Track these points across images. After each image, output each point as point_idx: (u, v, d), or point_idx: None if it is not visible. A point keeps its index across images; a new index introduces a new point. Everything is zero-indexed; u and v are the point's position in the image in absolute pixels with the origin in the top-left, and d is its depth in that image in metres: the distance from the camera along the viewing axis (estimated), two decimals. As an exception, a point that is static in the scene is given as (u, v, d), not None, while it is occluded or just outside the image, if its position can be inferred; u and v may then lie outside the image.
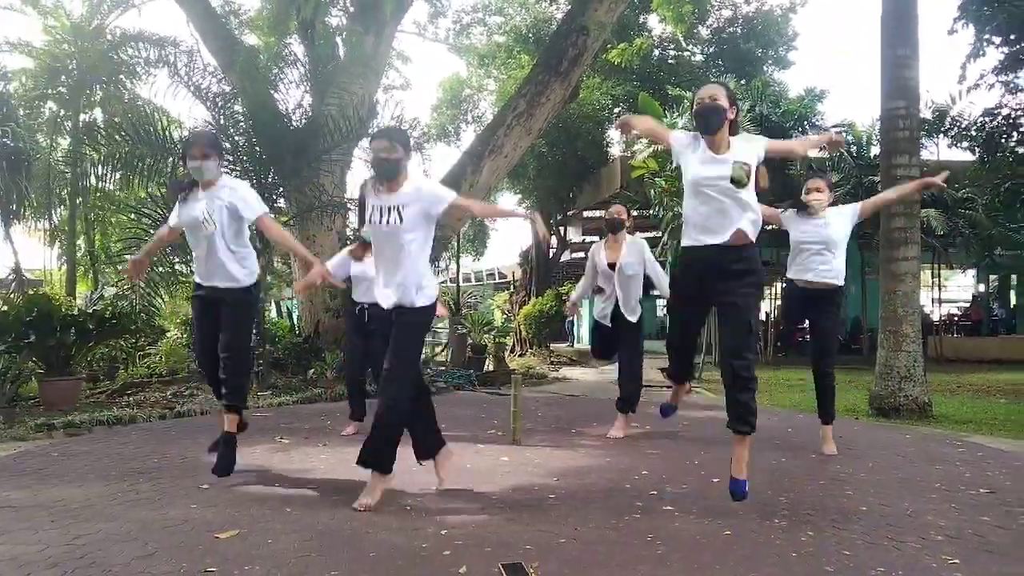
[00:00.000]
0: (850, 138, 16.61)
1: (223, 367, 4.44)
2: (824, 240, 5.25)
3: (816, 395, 5.47)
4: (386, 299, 3.99)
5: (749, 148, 3.77)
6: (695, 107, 3.78)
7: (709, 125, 3.73)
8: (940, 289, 20.33)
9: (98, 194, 14.23)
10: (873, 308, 13.95)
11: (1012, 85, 12.32)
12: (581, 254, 30.58)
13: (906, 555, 3.21)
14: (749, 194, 3.72)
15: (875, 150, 15.53)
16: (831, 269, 5.25)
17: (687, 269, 3.96)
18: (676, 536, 3.44)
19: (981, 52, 12.15)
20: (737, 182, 3.66)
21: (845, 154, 15.99)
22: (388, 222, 3.88)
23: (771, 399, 9.58)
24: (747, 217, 3.73)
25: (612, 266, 6.05)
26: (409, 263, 3.92)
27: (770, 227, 5.34)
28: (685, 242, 3.88)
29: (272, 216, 4.55)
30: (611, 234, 6.18)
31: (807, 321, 5.59)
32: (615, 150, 22.49)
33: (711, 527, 3.61)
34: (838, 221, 5.27)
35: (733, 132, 3.82)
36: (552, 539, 3.38)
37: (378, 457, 3.93)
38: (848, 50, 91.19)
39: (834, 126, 17.01)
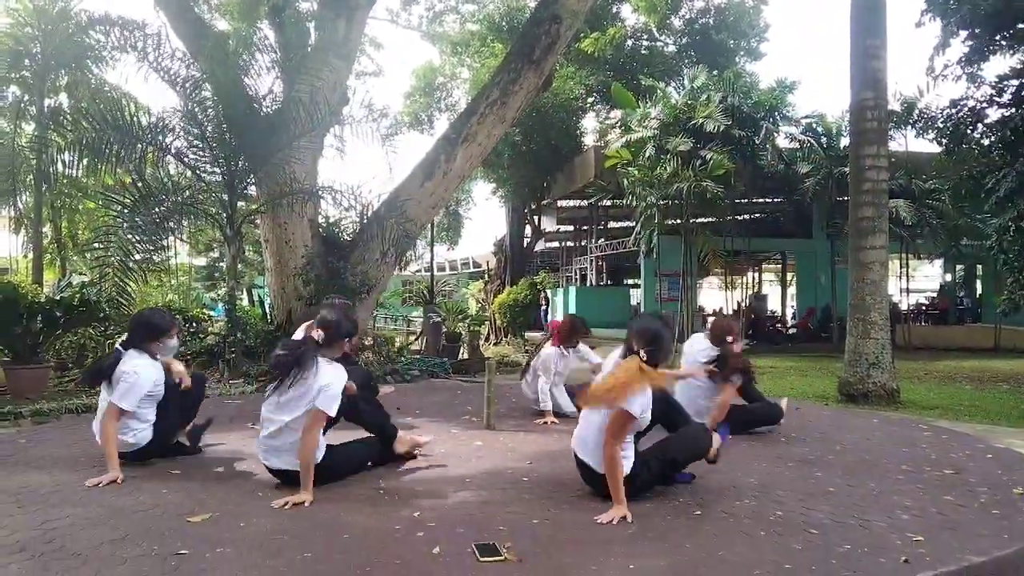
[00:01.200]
0: (820, 129, 16.79)
1: None
2: None
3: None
4: None
5: None
6: None
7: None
8: (908, 278, 20.68)
9: (64, 181, 13.96)
10: (843, 297, 14.18)
11: (976, 77, 12.51)
12: (555, 244, 30.69)
13: (872, 533, 3.28)
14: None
15: (845, 141, 15.73)
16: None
17: None
18: (647, 516, 3.48)
19: (947, 44, 12.33)
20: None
21: (815, 145, 16.17)
22: None
23: (742, 386, 9.68)
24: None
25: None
26: None
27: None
28: None
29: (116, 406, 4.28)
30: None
31: None
32: (589, 139, 22.57)
33: (681, 507, 3.65)
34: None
35: None
36: (525, 520, 3.40)
37: None
38: (819, 41, 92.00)
39: (804, 117, 17.19)
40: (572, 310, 20.74)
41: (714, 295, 33.64)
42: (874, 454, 5.02)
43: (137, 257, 8.89)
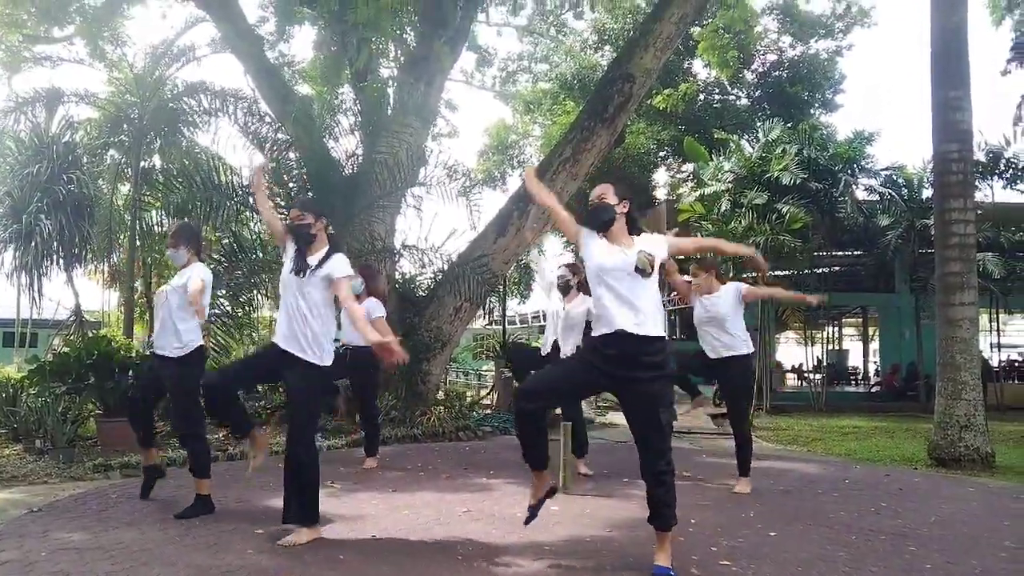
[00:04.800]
0: (901, 180, 16.37)
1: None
2: (713, 316, 5.76)
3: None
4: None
5: (652, 242, 3.81)
6: (588, 206, 3.87)
7: (598, 222, 3.79)
8: (999, 334, 19.76)
9: (155, 238, 14.67)
10: (929, 354, 13.62)
11: (1068, 125, 12.07)
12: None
13: (977, 618, 3.10)
14: (652, 284, 3.69)
15: (927, 192, 15.29)
16: (722, 343, 5.74)
17: (594, 352, 3.75)
18: (734, 592, 3.37)
19: (1036, 93, 11.95)
20: (642, 271, 3.63)
21: (895, 197, 15.77)
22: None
23: (825, 447, 9.36)
24: (652, 308, 3.66)
25: None
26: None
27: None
28: (596, 332, 3.73)
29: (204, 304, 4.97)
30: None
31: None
32: (660, 193, 22.54)
33: (770, 583, 3.53)
34: (726, 298, 5.75)
35: (633, 230, 3.83)
36: (607, 593, 3.34)
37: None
38: (897, 91, 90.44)
39: (884, 168, 16.80)
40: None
41: (793, 350, 32.74)
42: (973, 527, 4.76)
43: (222, 310, 9.24)
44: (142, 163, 14.30)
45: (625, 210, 3.78)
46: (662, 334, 3.67)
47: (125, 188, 15.19)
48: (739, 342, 5.73)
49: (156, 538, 4.20)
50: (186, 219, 9.08)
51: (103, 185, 14.65)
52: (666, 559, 3.58)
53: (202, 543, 4.11)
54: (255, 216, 10.48)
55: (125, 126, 14.07)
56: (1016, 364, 22.21)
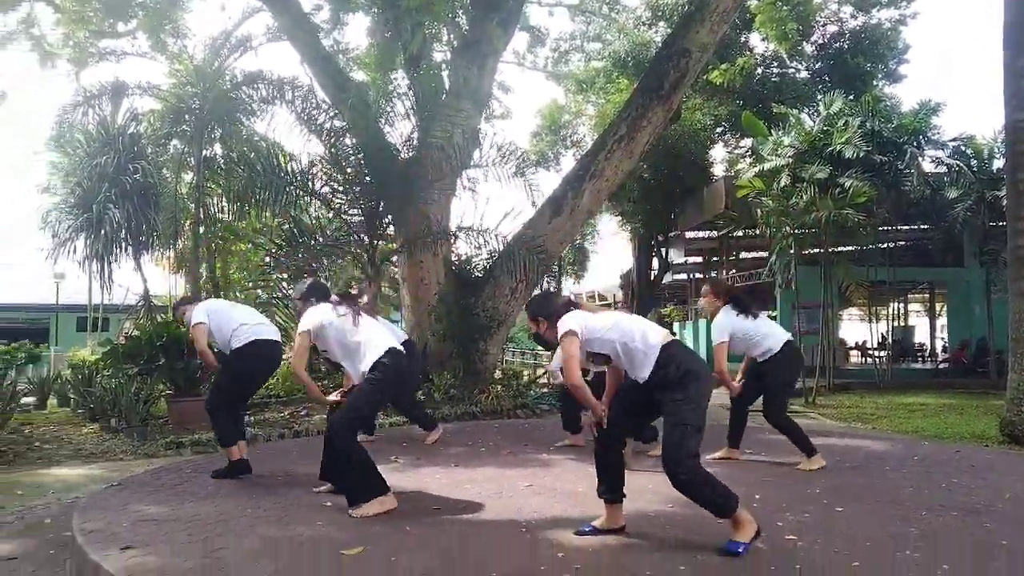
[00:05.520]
0: (970, 152, 15.82)
1: None
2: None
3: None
4: None
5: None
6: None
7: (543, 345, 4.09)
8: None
9: (219, 225, 15.04)
10: (1000, 328, 13.17)
11: None
12: (683, 276, 30.20)
13: (1056, 593, 3.01)
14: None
15: (998, 163, 14.73)
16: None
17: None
18: (802, 567, 3.33)
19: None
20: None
21: (964, 168, 15.24)
22: None
23: (891, 424, 9.16)
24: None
25: None
26: None
27: None
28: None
29: (197, 327, 5.50)
30: None
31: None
32: (718, 170, 22.17)
33: (838, 558, 3.47)
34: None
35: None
36: (671, 567, 3.34)
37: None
38: (966, 59, 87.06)
39: (951, 139, 16.24)
40: (700, 343, 20.27)
41: (856, 327, 32.02)
42: (1050, 504, 4.61)
43: (284, 293, 9.46)
44: (204, 152, 14.63)
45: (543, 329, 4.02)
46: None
47: (188, 176, 15.58)
48: (753, 348, 5.82)
49: (229, 511, 4.34)
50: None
51: (167, 174, 15.06)
52: (739, 535, 3.53)
53: (272, 516, 4.24)
54: (314, 201, 10.66)
55: (187, 116, 14.41)
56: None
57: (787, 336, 5.95)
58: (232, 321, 5.51)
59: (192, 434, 7.71)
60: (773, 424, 5.87)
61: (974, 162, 15.54)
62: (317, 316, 4.51)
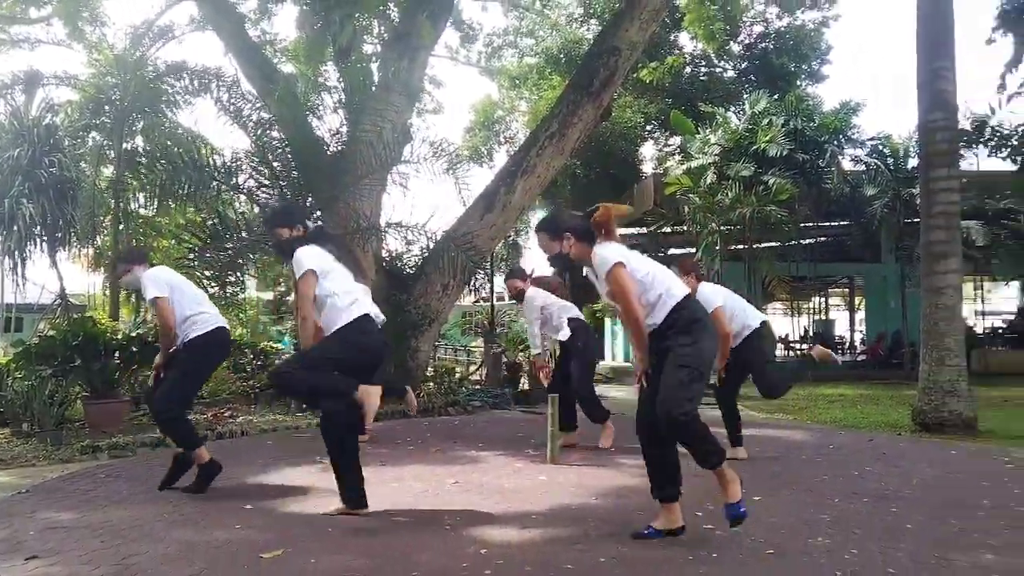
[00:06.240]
0: (887, 150, 16.42)
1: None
2: None
3: None
4: None
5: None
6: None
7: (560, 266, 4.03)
8: (983, 301, 19.92)
9: (140, 220, 14.56)
10: (914, 321, 13.71)
11: (1052, 93, 12.09)
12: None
13: (955, 574, 3.15)
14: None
15: (913, 162, 15.33)
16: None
17: None
18: (718, 556, 3.41)
19: (1020, 60, 11.96)
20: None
21: (882, 167, 15.81)
22: None
23: (811, 415, 9.45)
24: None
25: None
26: None
27: None
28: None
29: (166, 299, 4.82)
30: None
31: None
32: (648, 167, 22.50)
33: (754, 545, 3.57)
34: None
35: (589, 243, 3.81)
36: (592, 559, 3.38)
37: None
38: (884, 61, 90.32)
39: (870, 138, 16.84)
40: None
41: (780, 321, 32.90)
42: (953, 489, 4.83)
43: (209, 292, 9.19)
44: (124, 145, 14.14)
45: (569, 247, 3.87)
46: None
47: (108, 170, 15.04)
48: (734, 321, 5.77)
49: (145, 516, 4.21)
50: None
51: (85, 168, 14.46)
52: (731, 495, 3.49)
53: (190, 519, 4.13)
54: (238, 196, 10.41)
55: (106, 108, 13.90)
56: (1000, 331, 22.41)
57: (763, 316, 6.05)
58: (195, 304, 4.93)
59: (110, 437, 7.43)
60: (726, 404, 5.88)
61: (891, 161, 16.13)
62: (319, 254, 4.30)
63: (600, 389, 8.74)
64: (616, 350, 21.08)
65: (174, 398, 4.82)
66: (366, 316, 4.20)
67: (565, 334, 6.49)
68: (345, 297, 4.19)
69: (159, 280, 4.90)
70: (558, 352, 6.84)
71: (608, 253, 3.66)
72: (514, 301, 7.26)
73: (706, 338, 3.64)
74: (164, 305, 4.79)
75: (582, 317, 6.75)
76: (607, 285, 3.69)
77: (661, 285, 3.69)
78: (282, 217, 4.68)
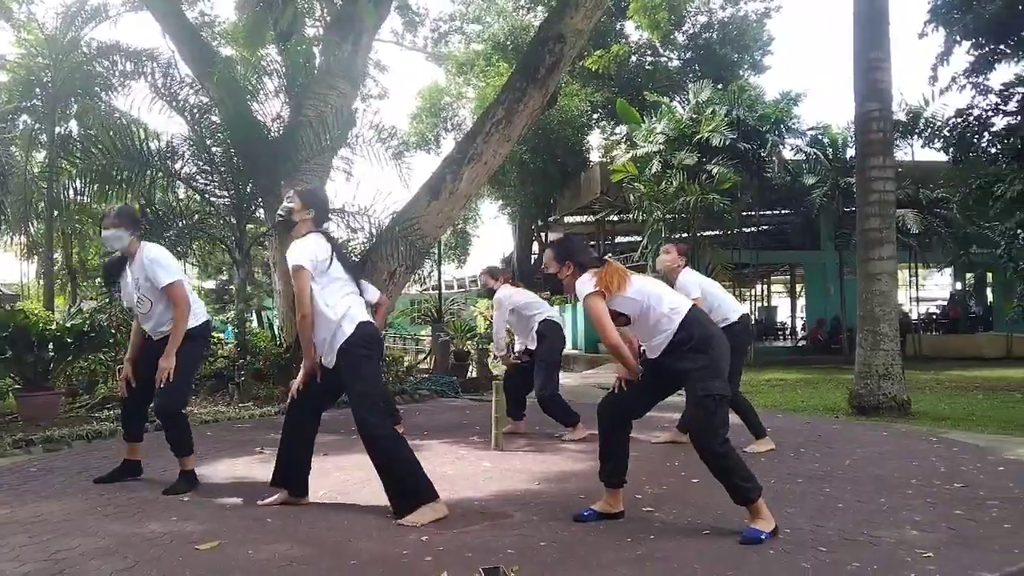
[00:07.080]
0: (826, 141, 16.80)
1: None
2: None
3: None
4: None
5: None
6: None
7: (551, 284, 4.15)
8: (917, 288, 20.58)
9: (75, 208, 14.13)
10: (852, 308, 14.11)
11: (982, 86, 12.49)
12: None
13: (882, 550, 3.26)
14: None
15: (851, 152, 15.72)
16: None
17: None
18: (656, 537, 3.47)
19: (951, 54, 12.33)
20: None
21: (821, 156, 16.18)
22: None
23: (752, 399, 9.62)
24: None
25: None
26: None
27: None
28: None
29: (183, 282, 4.52)
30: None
31: None
32: (594, 156, 22.64)
33: (690, 527, 3.65)
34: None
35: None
36: (533, 543, 3.40)
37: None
38: (823, 52, 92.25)
39: (810, 128, 17.22)
40: (579, 326, 20.72)
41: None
42: (884, 468, 4.99)
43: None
44: (58, 129, 13.71)
45: (569, 272, 3.85)
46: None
47: (40, 155, 14.56)
48: (713, 311, 5.51)
49: (77, 509, 4.10)
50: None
51: (16, 152, 14.01)
52: (761, 525, 3.45)
53: (125, 512, 4.04)
54: (177, 182, 10.16)
55: (37, 90, 13.48)
56: (933, 316, 23.19)
57: (743, 309, 6.03)
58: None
59: (44, 431, 7.22)
60: (732, 401, 5.76)
61: (830, 151, 16.54)
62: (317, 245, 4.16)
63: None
64: (577, 339, 21.16)
65: (182, 392, 4.62)
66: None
67: (532, 343, 6.48)
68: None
69: (173, 264, 4.59)
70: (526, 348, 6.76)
71: (583, 285, 3.69)
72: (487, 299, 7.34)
73: (719, 350, 3.60)
74: (184, 291, 4.50)
75: (554, 317, 6.67)
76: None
77: (660, 299, 3.67)
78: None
